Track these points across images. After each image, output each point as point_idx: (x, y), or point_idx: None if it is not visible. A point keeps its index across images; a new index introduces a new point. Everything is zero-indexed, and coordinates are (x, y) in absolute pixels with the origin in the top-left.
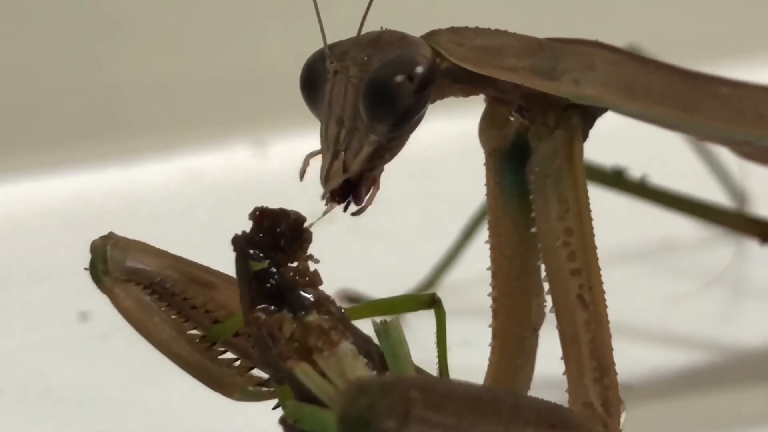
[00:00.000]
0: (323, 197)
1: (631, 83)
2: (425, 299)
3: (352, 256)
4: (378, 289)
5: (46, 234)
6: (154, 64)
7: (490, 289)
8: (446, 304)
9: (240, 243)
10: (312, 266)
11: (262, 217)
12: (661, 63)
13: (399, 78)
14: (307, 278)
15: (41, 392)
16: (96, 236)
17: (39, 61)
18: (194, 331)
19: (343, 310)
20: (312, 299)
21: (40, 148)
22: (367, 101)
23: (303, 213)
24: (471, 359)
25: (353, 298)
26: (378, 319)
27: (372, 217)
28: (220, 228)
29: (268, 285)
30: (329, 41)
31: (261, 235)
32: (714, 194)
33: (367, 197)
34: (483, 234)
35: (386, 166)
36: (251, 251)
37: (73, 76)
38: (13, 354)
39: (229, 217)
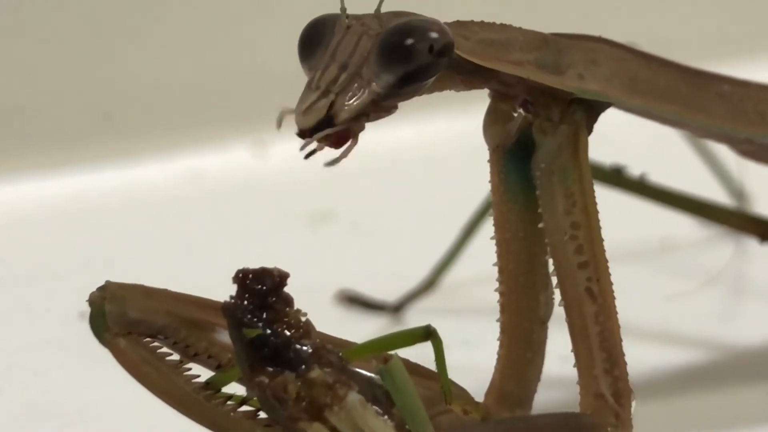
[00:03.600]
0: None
1: (634, 79)
2: (420, 332)
3: (352, 256)
4: (378, 289)
5: (46, 234)
6: (154, 64)
7: (490, 289)
8: (446, 304)
9: (230, 311)
10: (303, 317)
11: (245, 278)
12: (664, 60)
13: (420, 36)
14: (301, 330)
15: (41, 392)
16: (96, 236)
17: (39, 61)
18: (199, 380)
19: (340, 354)
20: (310, 351)
21: (41, 148)
22: (384, 49)
23: (303, 213)
24: (472, 359)
25: (353, 298)
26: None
27: (372, 217)
28: (220, 228)
29: (265, 348)
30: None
31: (248, 296)
32: (713, 193)
33: (344, 149)
34: (483, 233)
35: (387, 166)
36: (242, 317)
37: (73, 76)
38: (13, 354)
39: (229, 217)
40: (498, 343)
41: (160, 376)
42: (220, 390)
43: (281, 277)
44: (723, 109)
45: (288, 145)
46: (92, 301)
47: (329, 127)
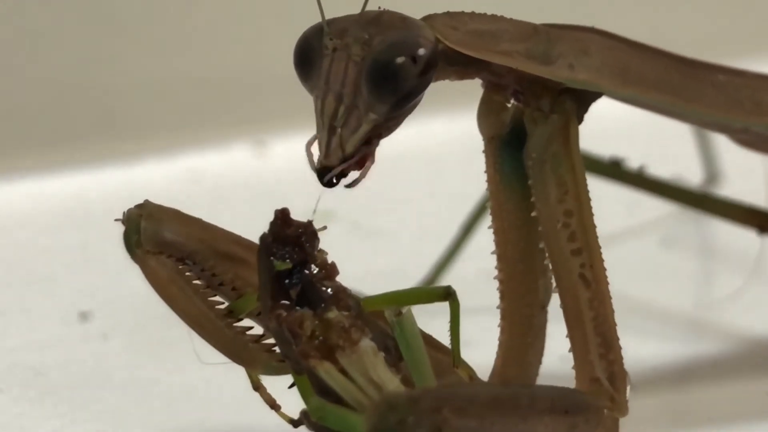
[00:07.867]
0: (319, 175)
1: (626, 68)
2: (440, 292)
3: (352, 256)
4: (378, 290)
5: (46, 234)
6: (154, 64)
7: (489, 288)
8: (446, 304)
9: (266, 241)
10: (328, 259)
11: (286, 216)
12: (657, 49)
13: (404, 60)
14: (324, 271)
15: (41, 392)
16: (96, 236)
17: (39, 61)
18: (222, 306)
19: (359, 301)
20: (330, 293)
21: (41, 148)
22: (370, 81)
23: (303, 213)
24: (472, 359)
25: None
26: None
27: (372, 217)
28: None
29: (289, 283)
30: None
31: (284, 232)
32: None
33: (361, 170)
34: (482, 231)
35: (387, 166)
36: (275, 249)
37: (74, 77)
38: (13, 354)
39: (230, 217)
40: (499, 330)
41: (184, 297)
42: (240, 320)
43: (310, 223)
44: (718, 99)
45: (288, 145)
46: (129, 216)
47: (344, 162)
